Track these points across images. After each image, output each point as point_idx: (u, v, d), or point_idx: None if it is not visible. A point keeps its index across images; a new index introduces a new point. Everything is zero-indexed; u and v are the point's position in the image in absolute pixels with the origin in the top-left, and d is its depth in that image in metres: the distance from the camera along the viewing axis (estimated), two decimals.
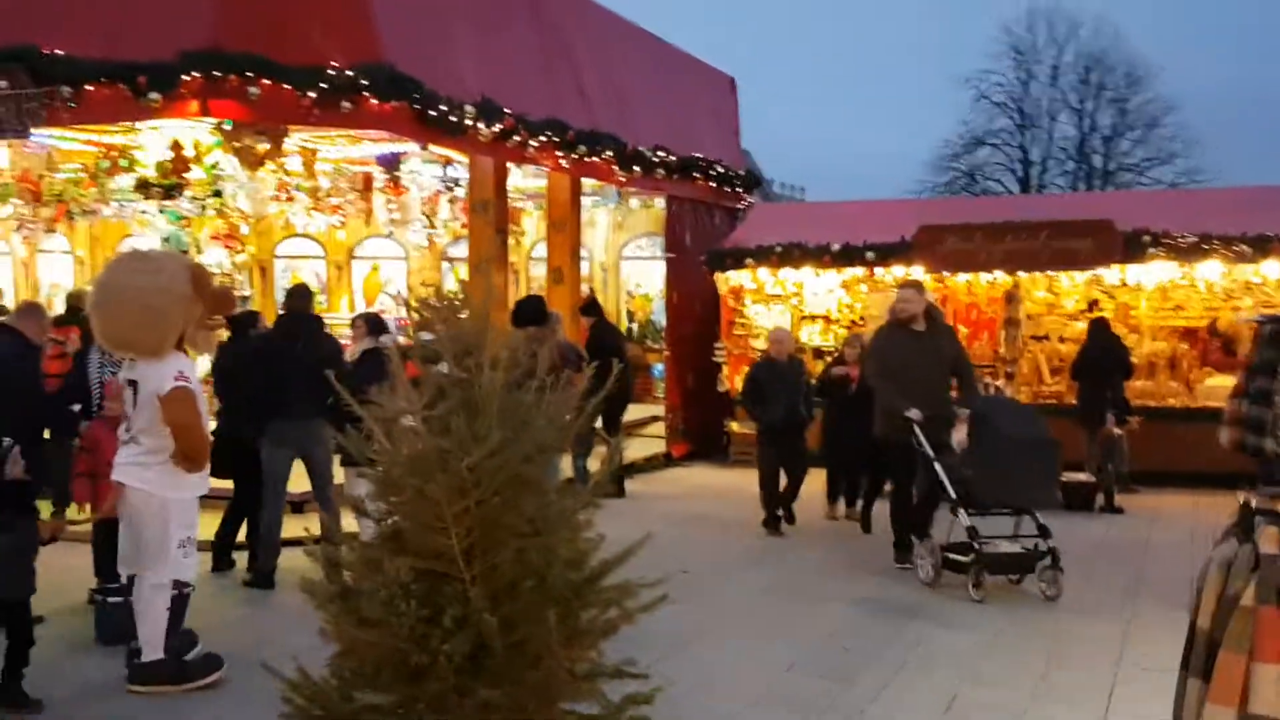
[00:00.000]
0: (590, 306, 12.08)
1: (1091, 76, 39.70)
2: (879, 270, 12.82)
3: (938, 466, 7.56)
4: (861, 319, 13.30)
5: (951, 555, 7.50)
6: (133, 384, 5.50)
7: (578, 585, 3.78)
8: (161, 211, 12.08)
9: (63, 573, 7.31)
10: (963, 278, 12.71)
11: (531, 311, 8.78)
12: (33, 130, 8.55)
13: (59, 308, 12.77)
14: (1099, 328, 11.01)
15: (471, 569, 3.72)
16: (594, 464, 9.98)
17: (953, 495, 7.49)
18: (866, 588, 7.55)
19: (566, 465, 9.83)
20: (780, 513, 9.43)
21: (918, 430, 7.64)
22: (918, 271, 12.53)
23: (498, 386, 3.77)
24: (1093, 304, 12.48)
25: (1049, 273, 12.34)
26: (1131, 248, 11.61)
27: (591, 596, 3.81)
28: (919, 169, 52.08)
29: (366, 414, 3.81)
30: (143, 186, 11.19)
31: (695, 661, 5.91)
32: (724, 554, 8.59)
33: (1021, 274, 12.37)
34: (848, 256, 12.79)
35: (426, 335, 3.83)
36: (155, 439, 5.44)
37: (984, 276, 12.57)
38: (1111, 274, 12.03)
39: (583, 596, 3.79)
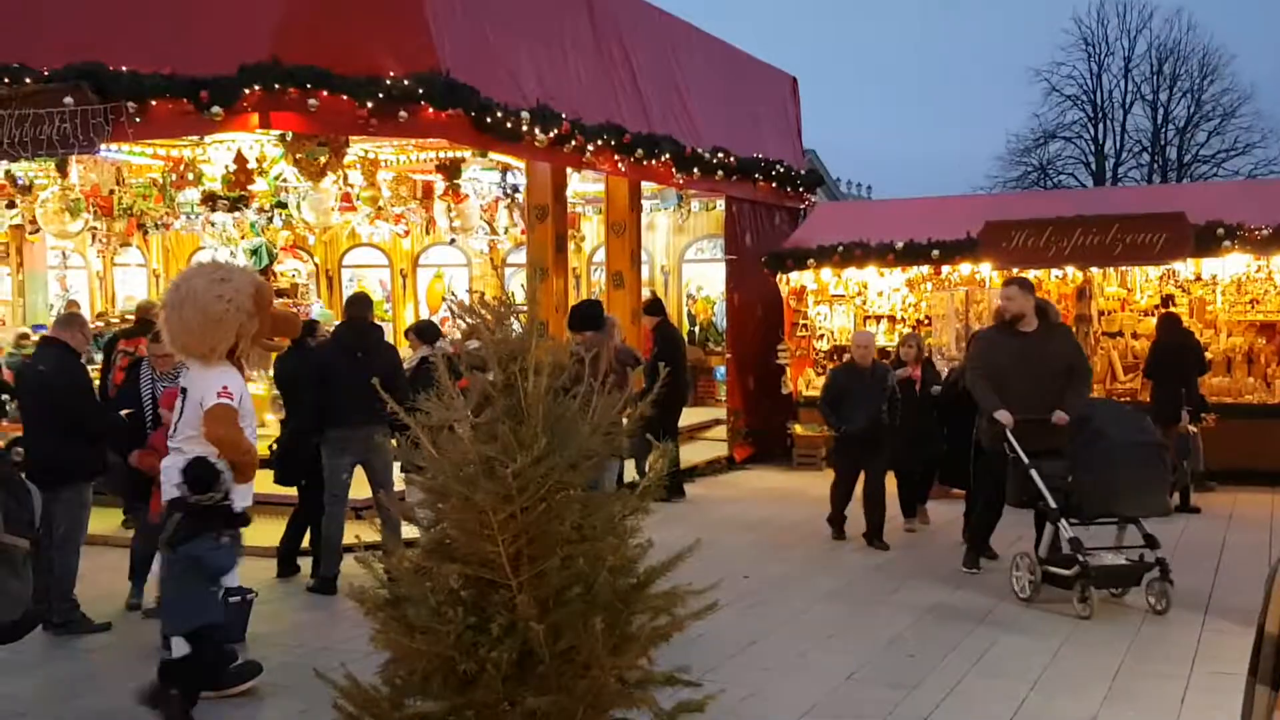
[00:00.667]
0: (654, 306, 12.02)
1: (1165, 67, 38.87)
2: (944, 268, 12.61)
3: (1034, 474, 7.00)
4: (927, 318, 13.10)
5: (1053, 569, 6.96)
6: (184, 391, 5.59)
7: (625, 592, 3.74)
8: (233, 225, 12.34)
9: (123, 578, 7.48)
10: (1032, 274, 12.42)
11: (588, 316, 8.72)
12: (99, 145, 8.74)
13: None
14: (1169, 324, 10.71)
15: (519, 576, 3.70)
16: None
17: (1052, 505, 6.92)
18: (932, 593, 7.40)
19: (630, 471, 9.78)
20: (846, 515, 9.04)
21: (1009, 435, 7.15)
22: (985, 269, 12.31)
23: (543, 393, 3.75)
24: (1167, 299, 12.15)
25: (1121, 268, 12.04)
26: (1205, 241, 11.27)
27: (640, 603, 3.77)
28: (989, 165, 51.39)
29: (414, 422, 3.81)
30: (209, 199, 11.43)
31: (752, 669, 5.84)
32: (786, 559, 8.49)
33: (1092, 269, 12.09)
34: (912, 255, 12.60)
35: (473, 343, 3.83)
36: (197, 447, 5.45)
37: (1054, 273, 12.31)
38: (1185, 268, 11.70)
39: (631, 603, 3.74)
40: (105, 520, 8.40)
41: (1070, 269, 12.10)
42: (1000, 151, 39.98)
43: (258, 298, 5.51)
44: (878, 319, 13.55)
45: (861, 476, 8.88)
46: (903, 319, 13.45)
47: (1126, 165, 39.68)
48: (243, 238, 12.39)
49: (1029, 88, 54.25)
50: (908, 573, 7.99)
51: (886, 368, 9.21)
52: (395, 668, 3.92)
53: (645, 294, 14.70)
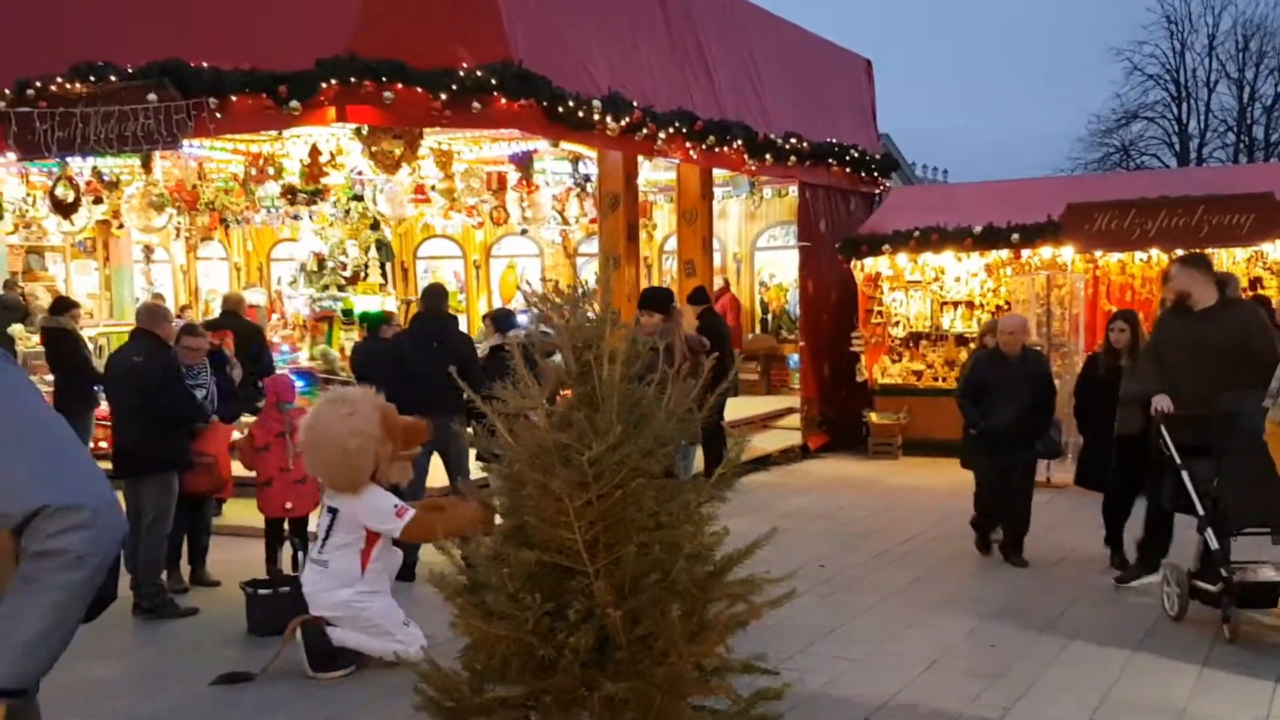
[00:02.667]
0: (697, 295, 11.80)
1: (1251, 44, 37.63)
2: (1024, 252, 12.37)
3: (1185, 476, 6.16)
4: (1006, 304, 12.86)
5: (1199, 583, 6.16)
6: (333, 511, 5.85)
7: (703, 579, 3.73)
8: (310, 217, 12.54)
9: (216, 565, 7.66)
10: (1115, 257, 12.16)
11: (656, 298, 8.60)
12: (182, 141, 8.94)
13: (216, 312, 13.34)
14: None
15: (595, 563, 3.70)
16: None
17: (1200, 511, 6.09)
18: (1013, 584, 7.27)
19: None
20: (995, 538, 8.01)
21: (1162, 428, 6.32)
22: (1066, 253, 12.05)
23: (617, 380, 3.74)
24: (1255, 282, 11.77)
25: (1207, 250, 11.69)
26: None
27: (717, 591, 3.75)
28: (1070, 147, 50.29)
29: (490, 409, 3.83)
30: (289, 193, 11.63)
31: (830, 657, 5.78)
32: (863, 548, 8.41)
33: (1178, 252, 11.75)
34: (990, 239, 12.37)
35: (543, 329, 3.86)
36: (346, 561, 5.79)
37: (1138, 255, 12.00)
38: (1275, 249, 11.32)
39: (708, 591, 3.73)
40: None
41: (1155, 251, 11.78)
42: (1080, 133, 39.10)
43: (385, 422, 5.80)
44: (955, 304, 13.34)
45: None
46: (981, 305, 13.22)
47: (1211, 145, 38.57)
48: (329, 226, 12.58)
49: (1110, 67, 53.02)
50: (988, 563, 7.86)
51: (1041, 356, 8.26)
52: (474, 653, 3.96)
53: (718, 283, 14.65)
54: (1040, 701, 5.18)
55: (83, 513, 1.97)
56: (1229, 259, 11.86)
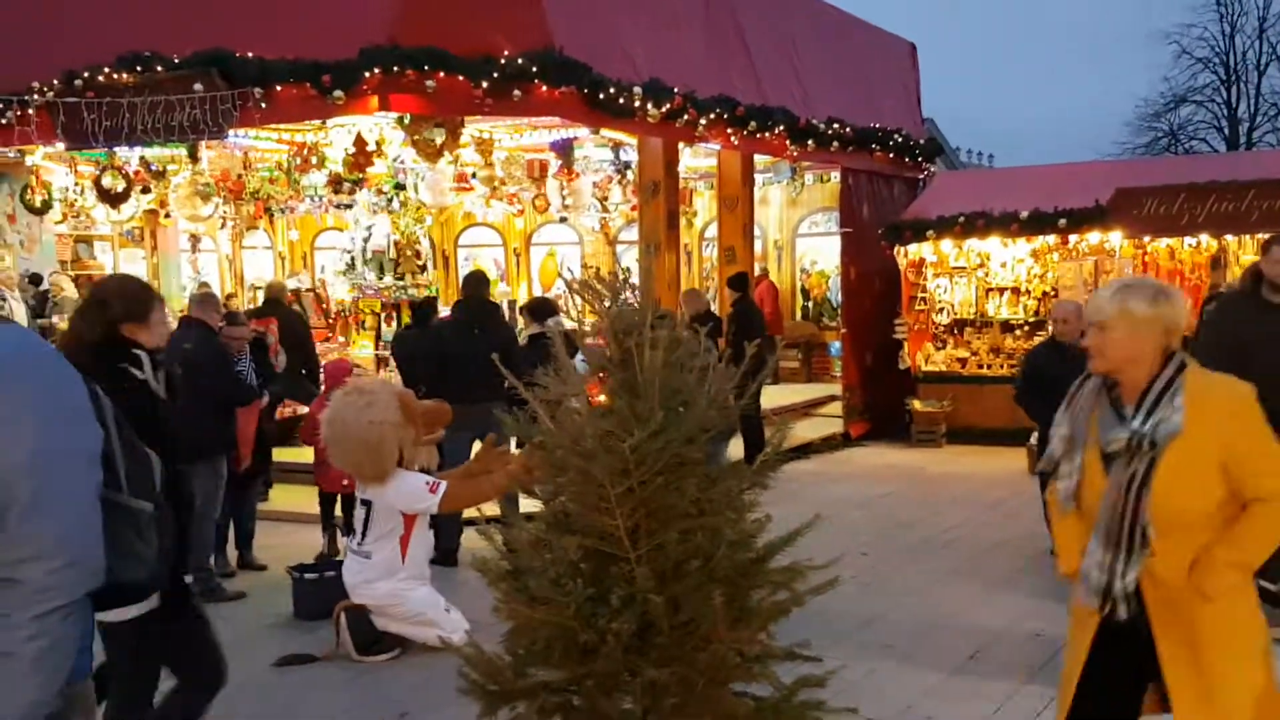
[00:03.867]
0: (736, 281, 11.68)
1: None
2: (1072, 238, 12.21)
3: None
4: (1054, 290, 12.71)
5: (1264, 584, 5.33)
6: (366, 504, 5.91)
7: (744, 566, 3.72)
8: (349, 207, 12.63)
9: (263, 549, 7.76)
10: (1164, 243, 11.98)
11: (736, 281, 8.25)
12: (228, 130, 9.03)
13: (261, 301, 13.49)
14: None
15: (637, 549, 3.71)
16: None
17: None
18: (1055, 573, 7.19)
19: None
20: None
21: None
22: (1115, 238, 11.88)
23: (659, 367, 3.74)
24: None
25: (1258, 235, 11.48)
26: None
27: (759, 578, 3.75)
28: (1117, 131, 49.56)
29: (532, 396, 3.85)
30: (335, 182, 11.71)
31: (872, 646, 5.76)
32: (905, 537, 8.36)
33: (1228, 237, 11.56)
34: (1037, 224, 12.23)
35: (565, 321, 3.90)
36: (386, 553, 5.84)
37: (1187, 241, 11.82)
38: None
39: (750, 578, 3.72)
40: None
41: (1204, 237, 11.60)
42: (1128, 117, 38.53)
43: (404, 409, 5.83)
44: (1000, 291, 13.21)
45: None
46: (1028, 291, 13.08)
47: (1262, 129, 37.80)
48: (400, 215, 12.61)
49: (1158, 50, 52.09)
50: (1033, 552, 7.79)
51: None
52: (517, 638, 3.98)
53: (757, 270, 14.59)
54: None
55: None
56: None
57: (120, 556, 2.42)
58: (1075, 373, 7.00)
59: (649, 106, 9.80)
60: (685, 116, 10.30)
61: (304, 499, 8.61)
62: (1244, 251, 11.78)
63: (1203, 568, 3.05)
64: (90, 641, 2.28)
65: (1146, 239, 11.89)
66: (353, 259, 12.70)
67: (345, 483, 7.38)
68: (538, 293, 16.20)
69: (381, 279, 12.49)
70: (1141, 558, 3.08)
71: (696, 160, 13.73)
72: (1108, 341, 3.15)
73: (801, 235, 17.09)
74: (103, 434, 2.25)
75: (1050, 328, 7.91)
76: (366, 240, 12.65)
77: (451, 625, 5.77)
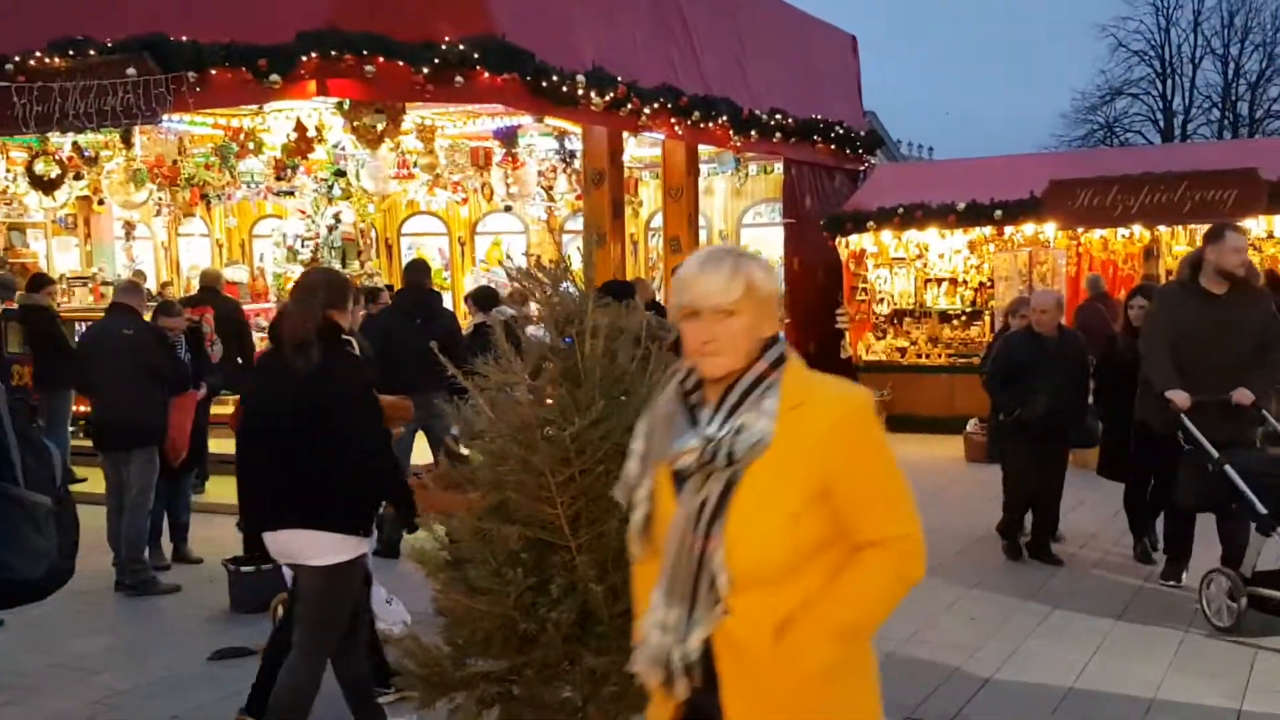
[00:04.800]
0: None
1: (1236, 20, 37.68)
2: (1008, 229, 12.40)
3: (1231, 471, 5.61)
4: (990, 280, 12.91)
5: (1265, 591, 5.59)
6: None
7: None
8: (289, 194, 12.45)
9: (199, 542, 7.65)
10: (1098, 234, 12.20)
11: (615, 292, 8.36)
12: (162, 116, 8.86)
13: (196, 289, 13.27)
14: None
15: (578, 538, 3.71)
16: None
17: (1261, 510, 5.51)
18: (996, 557, 7.32)
19: None
20: (1020, 531, 7.43)
21: (1185, 420, 5.90)
22: (1049, 229, 12.07)
23: (599, 356, 3.74)
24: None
25: (1190, 226, 11.74)
26: (1278, 197, 10.94)
27: None
28: (1054, 124, 50.37)
29: (472, 385, 3.83)
30: (280, 168, 11.52)
31: None
32: None
33: (1161, 228, 11.81)
34: (974, 215, 12.40)
35: (509, 309, 3.88)
36: None
37: (1120, 232, 12.05)
38: (1258, 226, 11.37)
39: None
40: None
41: (1138, 228, 11.83)
42: (1065, 110, 39.20)
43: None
44: (939, 281, 13.38)
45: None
46: (964, 282, 13.27)
47: (1196, 122, 38.65)
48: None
49: (1094, 43, 53.03)
50: (970, 537, 7.91)
51: (1077, 336, 7.46)
52: (457, 628, 3.97)
53: None
54: (1019, 673, 5.23)
55: None
56: None
57: (16, 552, 2.38)
58: (1049, 364, 7.02)
59: (593, 95, 9.77)
60: (629, 106, 10.29)
61: (223, 489, 8.54)
62: (1176, 242, 12.05)
63: (793, 635, 2.16)
64: None
65: (1080, 230, 12.10)
66: (317, 246, 12.44)
67: None
68: (483, 282, 16.10)
69: (346, 266, 12.32)
70: (710, 616, 2.19)
71: (642, 150, 13.72)
72: (731, 331, 2.21)
73: (746, 226, 17.15)
74: None
75: (1016, 319, 7.75)
76: (333, 229, 12.42)
77: (392, 617, 5.74)
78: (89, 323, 9.25)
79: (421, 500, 5.60)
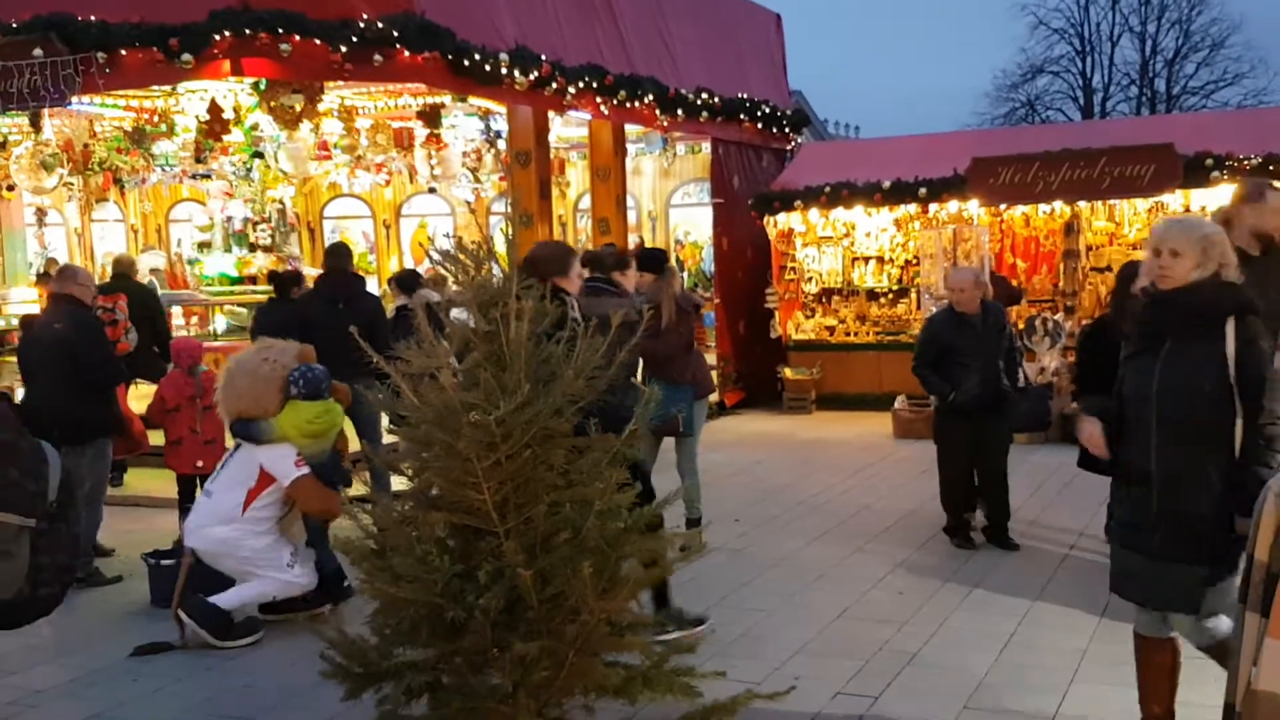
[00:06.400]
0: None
1: None
2: (932, 207, 12.52)
3: None
4: (915, 258, 13.03)
5: None
6: (238, 445, 5.88)
7: (614, 536, 3.71)
8: (206, 177, 12.13)
9: (119, 535, 7.46)
10: (1019, 210, 12.38)
11: (650, 257, 8.20)
12: (70, 97, 8.57)
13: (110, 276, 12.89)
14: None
15: (505, 523, 3.67)
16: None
17: None
18: (921, 533, 7.40)
19: None
20: (971, 519, 7.15)
21: None
22: (972, 206, 12.21)
23: (525, 339, 3.69)
24: None
25: (1109, 201, 11.96)
26: (1194, 172, 11.18)
27: (628, 548, 3.74)
28: (977, 102, 51.02)
29: (394, 370, 3.75)
30: (199, 150, 11.20)
31: (743, 609, 5.83)
32: (777, 503, 8.48)
33: (1080, 204, 12.01)
34: (899, 194, 12.50)
35: (431, 294, 3.82)
36: (228, 499, 5.76)
37: (1041, 208, 12.23)
38: (1175, 200, 11.62)
39: (619, 548, 3.72)
40: None
41: (1058, 204, 12.02)
42: (987, 88, 39.73)
43: (301, 357, 5.94)
44: (866, 259, 13.48)
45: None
46: (891, 259, 13.39)
47: (1115, 99, 39.48)
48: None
49: (1015, 22, 53.84)
50: (897, 514, 7.99)
51: (1001, 310, 7.20)
52: (384, 617, 3.90)
53: (633, 240, 14.57)
54: (945, 647, 5.29)
55: None
56: (1130, 209, 12.15)
57: None
58: (977, 342, 6.74)
59: (516, 74, 9.65)
60: (554, 85, 10.18)
61: (158, 482, 8.32)
62: (1096, 218, 12.27)
63: None
64: None
65: (1003, 207, 12.26)
66: (272, 234, 12.02)
67: (199, 464, 7.15)
68: (409, 265, 15.89)
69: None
70: None
71: (569, 130, 13.62)
72: None
73: (675, 206, 17.12)
74: None
75: (951, 296, 7.16)
76: (282, 211, 12.03)
77: (288, 580, 5.74)
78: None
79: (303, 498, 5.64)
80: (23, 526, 2.28)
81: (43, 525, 2.33)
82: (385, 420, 7.36)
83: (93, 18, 8.57)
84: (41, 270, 12.75)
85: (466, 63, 9.11)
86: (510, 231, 11.18)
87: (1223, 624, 3.74)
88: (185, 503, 7.39)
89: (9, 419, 2.34)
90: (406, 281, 8.18)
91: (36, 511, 2.32)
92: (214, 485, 5.91)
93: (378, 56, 8.62)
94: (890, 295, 13.32)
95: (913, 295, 13.08)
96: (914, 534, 7.37)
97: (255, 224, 11.54)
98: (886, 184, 12.45)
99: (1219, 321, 3.65)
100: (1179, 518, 3.70)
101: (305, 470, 5.71)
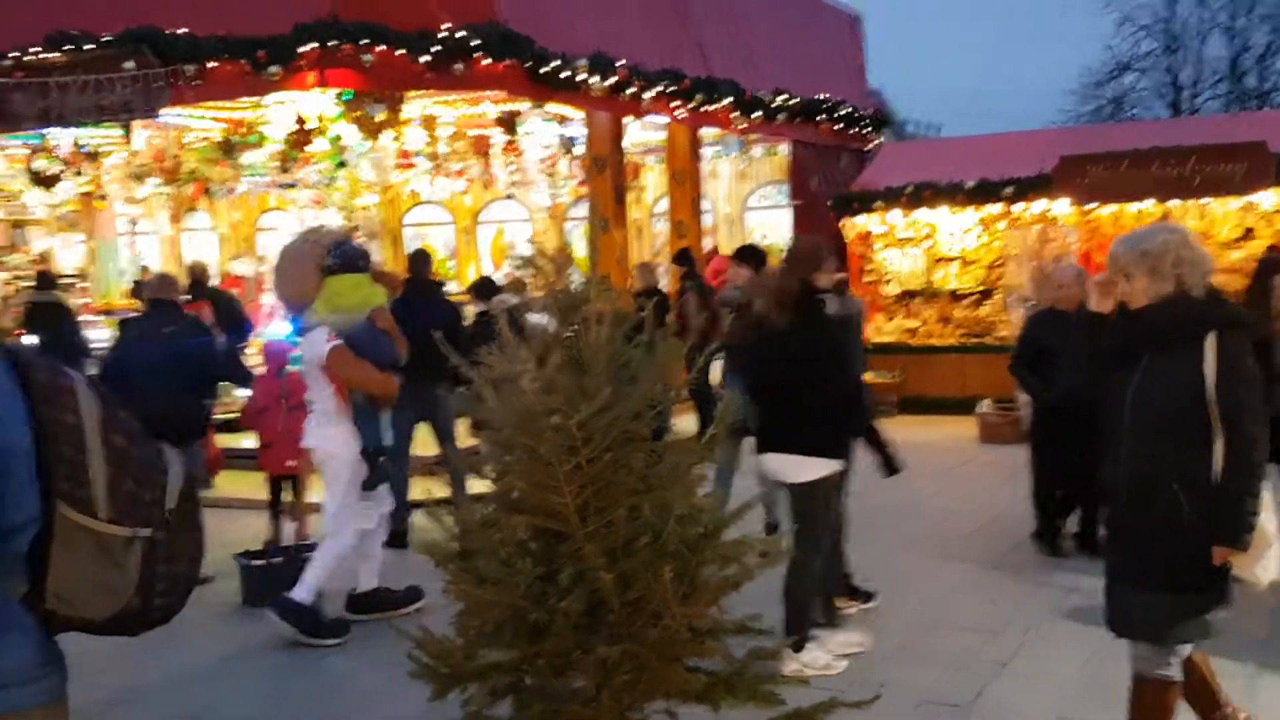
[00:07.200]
0: (682, 255, 11.57)
1: None
2: (1017, 206, 12.30)
3: None
4: (1001, 259, 12.80)
5: None
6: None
7: (694, 541, 3.69)
8: (291, 186, 12.38)
9: (210, 536, 7.63)
10: (1108, 209, 12.09)
11: (750, 254, 8.12)
12: (160, 109, 8.82)
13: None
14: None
15: (586, 526, 3.66)
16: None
17: None
18: (1012, 541, 7.25)
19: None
20: (1061, 526, 6.95)
21: None
22: (1060, 206, 11.96)
23: (604, 343, 3.69)
24: (1248, 231, 11.72)
25: (1199, 200, 11.63)
26: None
27: (709, 552, 3.72)
28: (1061, 100, 50.07)
29: (477, 375, 3.78)
30: (284, 160, 11.46)
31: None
32: (861, 508, 8.36)
33: (1171, 203, 11.69)
34: (984, 193, 12.31)
35: (511, 298, 3.85)
36: (325, 400, 5.89)
37: (1130, 207, 11.94)
38: (1268, 199, 11.25)
39: (699, 552, 3.69)
40: None
41: (1148, 203, 11.72)
42: (1072, 86, 38.92)
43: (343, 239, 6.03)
44: (948, 260, 13.27)
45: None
46: (975, 260, 13.17)
47: (1204, 96, 38.36)
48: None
49: (1100, 18, 52.58)
50: (985, 520, 7.84)
51: (1099, 315, 6.98)
52: (468, 619, 3.92)
53: (707, 244, 14.56)
54: (1036, 656, 5.17)
55: None
56: (1221, 209, 11.80)
57: (78, 586, 2.13)
58: (1074, 344, 6.01)
59: (594, 80, 9.70)
60: (631, 90, 10.22)
61: (249, 484, 8.48)
62: (1188, 216, 11.93)
63: None
64: (31, 674, 2.10)
65: (1091, 206, 11.99)
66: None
67: (290, 463, 7.26)
68: (487, 271, 16.05)
69: None
70: None
71: (645, 134, 13.65)
72: None
73: (751, 208, 17.07)
74: (15, 438, 1.99)
75: (1056, 294, 6.94)
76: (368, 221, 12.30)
77: (361, 512, 5.92)
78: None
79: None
80: (132, 538, 2.20)
81: (159, 535, 2.24)
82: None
83: (182, 31, 8.81)
84: (137, 278, 13.12)
85: (545, 70, 9.19)
86: (591, 235, 11.24)
87: (1175, 664, 3.56)
88: (276, 504, 7.55)
89: (126, 423, 2.25)
90: (484, 289, 8.26)
91: (151, 521, 2.23)
92: (310, 396, 6.07)
93: (458, 65, 8.74)
94: (974, 297, 13.10)
95: (997, 297, 12.85)
96: (1001, 539, 7.23)
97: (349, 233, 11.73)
98: (970, 183, 12.26)
99: (1195, 337, 3.43)
100: (1139, 534, 3.51)
101: (338, 341, 5.72)
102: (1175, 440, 3.44)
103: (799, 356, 5.00)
